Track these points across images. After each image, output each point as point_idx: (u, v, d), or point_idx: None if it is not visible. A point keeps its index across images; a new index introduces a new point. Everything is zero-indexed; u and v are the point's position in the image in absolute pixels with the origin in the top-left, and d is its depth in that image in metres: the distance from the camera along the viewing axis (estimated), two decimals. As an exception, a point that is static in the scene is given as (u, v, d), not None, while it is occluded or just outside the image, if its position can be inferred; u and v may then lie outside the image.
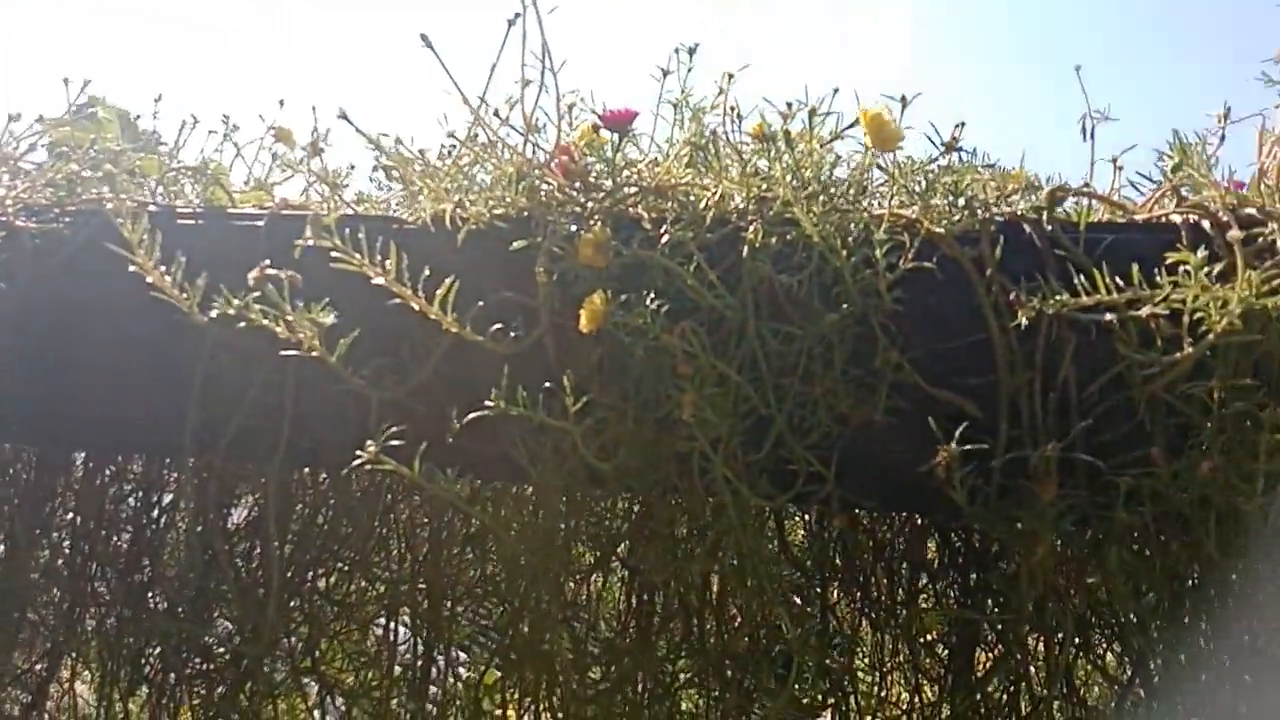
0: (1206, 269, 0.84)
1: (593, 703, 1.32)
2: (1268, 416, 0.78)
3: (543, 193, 1.03)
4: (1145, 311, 0.85)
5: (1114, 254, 0.94)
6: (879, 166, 1.01)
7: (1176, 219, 0.97)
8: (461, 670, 1.47)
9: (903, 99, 1.00)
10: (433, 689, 1.45)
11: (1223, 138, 1.11)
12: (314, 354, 0.90)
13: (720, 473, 0.93)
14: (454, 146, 1.15)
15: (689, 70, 1.11)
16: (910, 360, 0.97)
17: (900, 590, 1.34)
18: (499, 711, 1.41)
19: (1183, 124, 1.14)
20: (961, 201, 0.96)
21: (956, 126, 1.14)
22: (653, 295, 0.95)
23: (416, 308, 0.91)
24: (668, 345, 0.93)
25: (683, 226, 1.01)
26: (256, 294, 0.88)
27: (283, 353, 0.92)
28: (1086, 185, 1.08)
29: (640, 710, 1.28)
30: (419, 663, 1.43)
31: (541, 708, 1.34)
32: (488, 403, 0.88)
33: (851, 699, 1.34)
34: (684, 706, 1.42)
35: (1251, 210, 0.96)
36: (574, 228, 1.00)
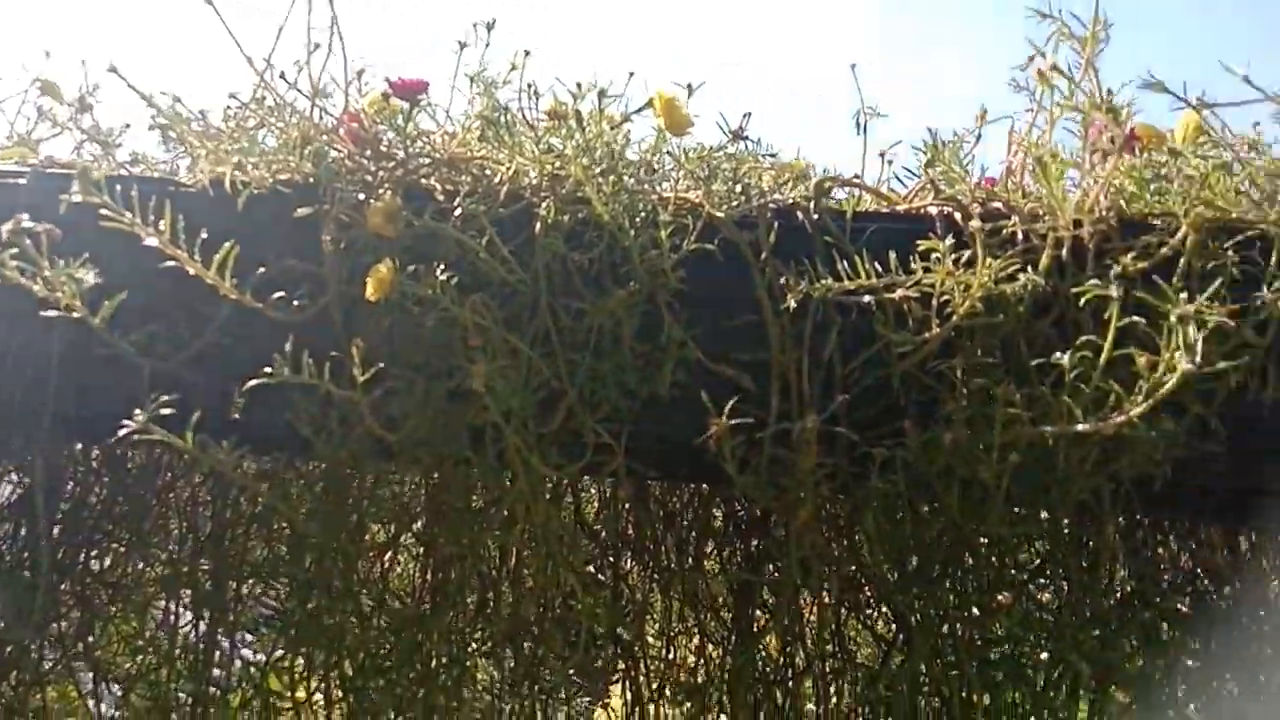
0: (954, 256, 0.93)
1: (381, 675, 1.31)
2: (1002, 392, 0.86)
3: (330, 159, 1.01)
4: (899, 294, 0.92)
5: (876, 241, 1.01)
6: (667, 152, 1.05)
7: (934, 210, 1.06)
8: (247, 652, 1.42)
9: (689, 86, 1.04)
10: (217, 671, 1.40)
11: (979, 137, 1.22)
12: (76, 315, 0.86)
13: (511, 444, 0.95)
14: (240, 108, 1.11)
15: (486, 45, 1.12)
16: (693, 337, 1.01)
17: (688, 558, 1.40)
18: (288, 691, 1.38)
19: (958, 123, 1.24)
20: (739, 188, 1.01)
21: (744, 116, 1.21)
22: (444, 267, 0.95)
23: (192, 271, 0.88)
24: (459, 317, 0.93)
25: (476, 200, 1.02)
26: (13, 250, 0.82)
27: (42, 313, 0.87)
28: (857, 177, 1.16)
29: (429, 681, 1.28)
30: (201, 645, 1.38)
31: (331, 684, 1.32)
32: (267, 370, 0.86)
33: (642, 664, 1.39)
34: (479, 677, 1.43)
35: (998, 204, 1.05)
36: (362, 196, 0.99)
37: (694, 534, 1.39)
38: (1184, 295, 0.87)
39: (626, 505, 1.40)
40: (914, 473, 0.91)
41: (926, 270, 0.92)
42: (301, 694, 1.37)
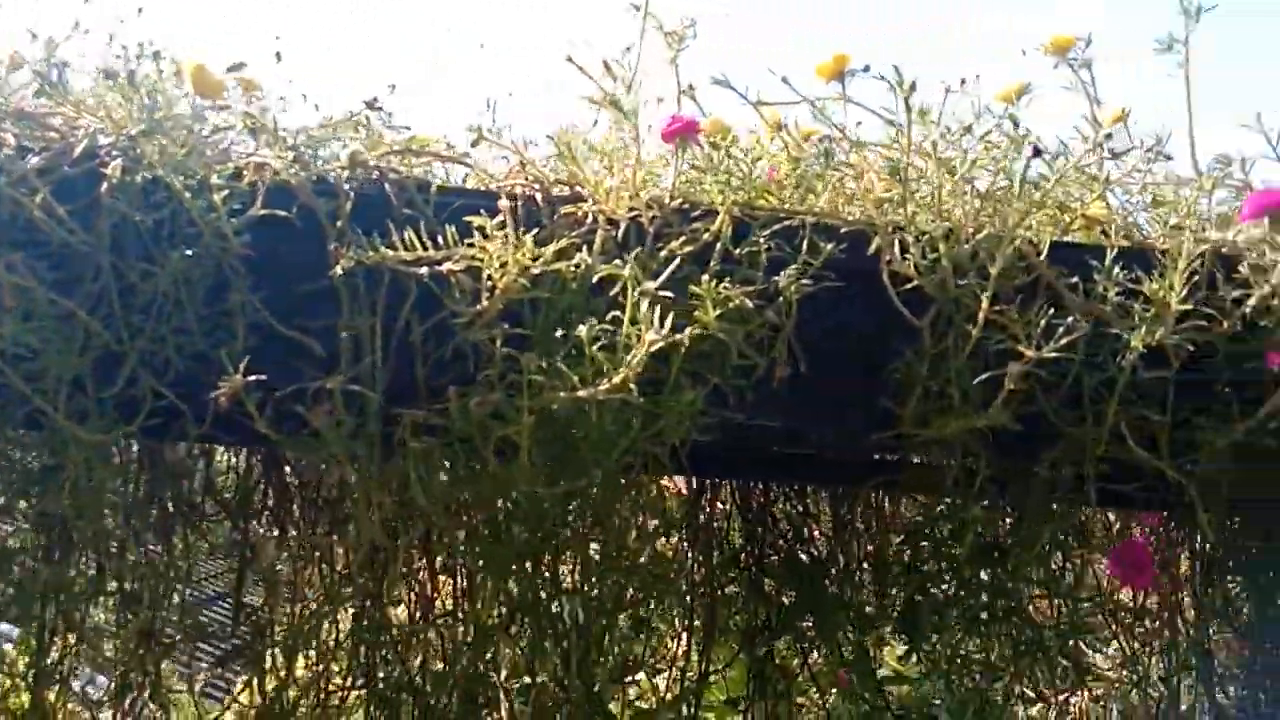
0: (504, 233, 0.98)
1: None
2: (525, 360, 0.92)
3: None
4: (446, 268, 0.97)
5: (459, 216, 1.06)
6: (248, 115, 1.05)
7: (520, 190, 1.11)
8: None
9: (278, 54, 1.06)
10: None
11: (595, 124, 1.28)
12: None
13: (40, 405, 0.94)
14: None
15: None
16: (264, 301, 1.03)
17: (323, 524, 1.41)
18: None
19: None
20: (291, 155, 1.03)
21: (389, 88, 1.23)
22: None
23: None
24: (-9, 277, 0.91)
25: (50, 157, 1.00)
26: None
27: None
28: (466, 155, 1.19)
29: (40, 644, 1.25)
30: None
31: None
32: None
33: (270, 630, 1.40)
34: (107, 647, 1.41)
35: (580, 188, 1.12)
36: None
37: (328, 501, 1.41)
38: (712, 277, 0.96)
39: (260, 472, 1.40)
40: (459, 434, 0.96)
41: (471, 245, 0.97)
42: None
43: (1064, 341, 0.97)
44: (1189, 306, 1.00)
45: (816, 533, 1.47)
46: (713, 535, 1.48)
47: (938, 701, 1.54)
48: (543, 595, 1.12)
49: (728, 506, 1.52)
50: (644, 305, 0.88)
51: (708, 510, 1.49)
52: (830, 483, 1.39)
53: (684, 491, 1.52)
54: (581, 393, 0.89)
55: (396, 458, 1.03)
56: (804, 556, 1.41)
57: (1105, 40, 1.24)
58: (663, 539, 1.48)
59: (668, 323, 0.87)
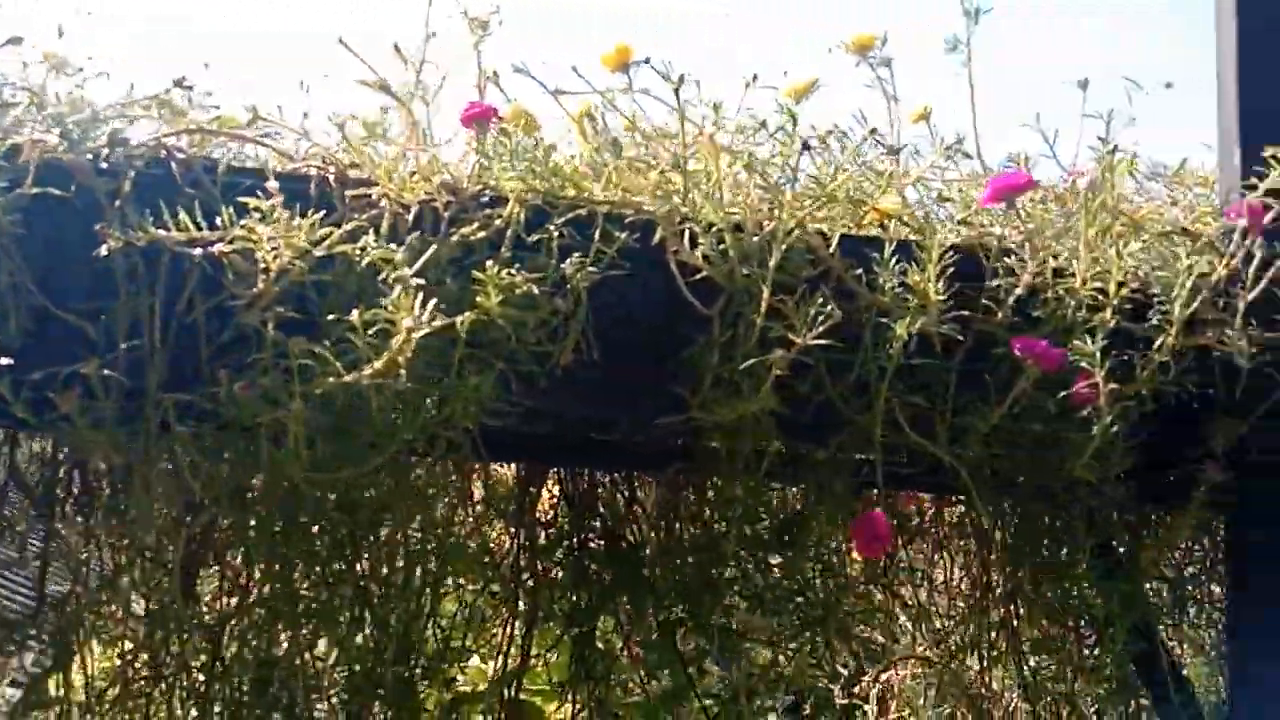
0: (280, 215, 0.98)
1: None
2: (292, 344, 0.92)
3: None
4: (218, 249, 0.96)
5: (246, 196, 1.04)
6: (25, 91, 1.03)
7: (313, 172, 1.10)
8: None
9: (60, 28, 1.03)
10: None
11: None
12: None
13: None
14: None
15: None
16: (40, 281, 1.00)
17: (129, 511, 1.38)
18: None
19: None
20: (75, 131, 1.01)
21: (205, 66, 1.21)
22: None
23: None
24: None
25: None
26: None
27: None
28: (268, 137, 1.18)
29: None
30: None
31: None
32: None
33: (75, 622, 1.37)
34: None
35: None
36: None
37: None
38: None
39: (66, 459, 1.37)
40: (229, 419, 0.96)
41: (244, 226, 0.96)
42: None
43: (823, 329, 1.01)
44: (944, 297, 1.04)
45: (636, 516, 1.50)
46: (538, 520, 1.49)
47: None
48: (340, 584, 1.12)
49: (555, 492, 1.54)
50: (398, 290, 0.88)
51: (533, 495, 1.50)
52: (631, 467, 1.42)
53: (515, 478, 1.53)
54: (347, 378, 0.89)
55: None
56: (622, 541, 1.43)
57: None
58: (487, 525, 1.49)
59: (428, 309, 0.88)
